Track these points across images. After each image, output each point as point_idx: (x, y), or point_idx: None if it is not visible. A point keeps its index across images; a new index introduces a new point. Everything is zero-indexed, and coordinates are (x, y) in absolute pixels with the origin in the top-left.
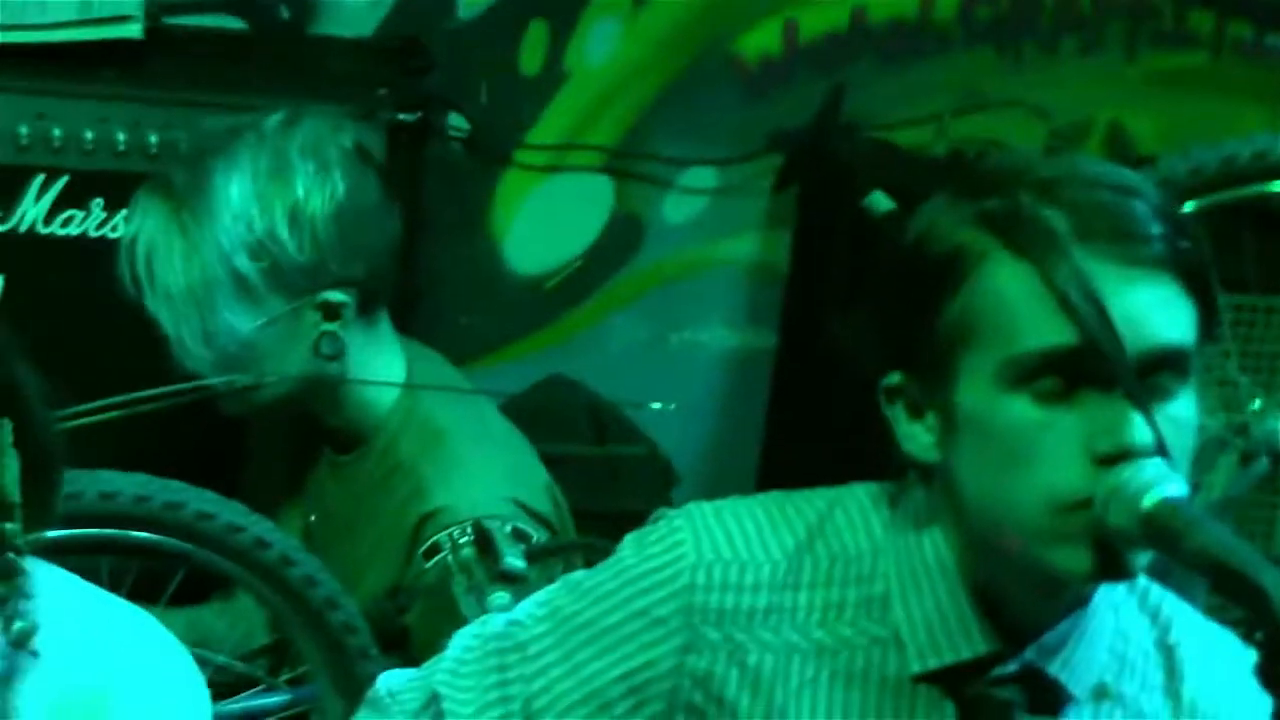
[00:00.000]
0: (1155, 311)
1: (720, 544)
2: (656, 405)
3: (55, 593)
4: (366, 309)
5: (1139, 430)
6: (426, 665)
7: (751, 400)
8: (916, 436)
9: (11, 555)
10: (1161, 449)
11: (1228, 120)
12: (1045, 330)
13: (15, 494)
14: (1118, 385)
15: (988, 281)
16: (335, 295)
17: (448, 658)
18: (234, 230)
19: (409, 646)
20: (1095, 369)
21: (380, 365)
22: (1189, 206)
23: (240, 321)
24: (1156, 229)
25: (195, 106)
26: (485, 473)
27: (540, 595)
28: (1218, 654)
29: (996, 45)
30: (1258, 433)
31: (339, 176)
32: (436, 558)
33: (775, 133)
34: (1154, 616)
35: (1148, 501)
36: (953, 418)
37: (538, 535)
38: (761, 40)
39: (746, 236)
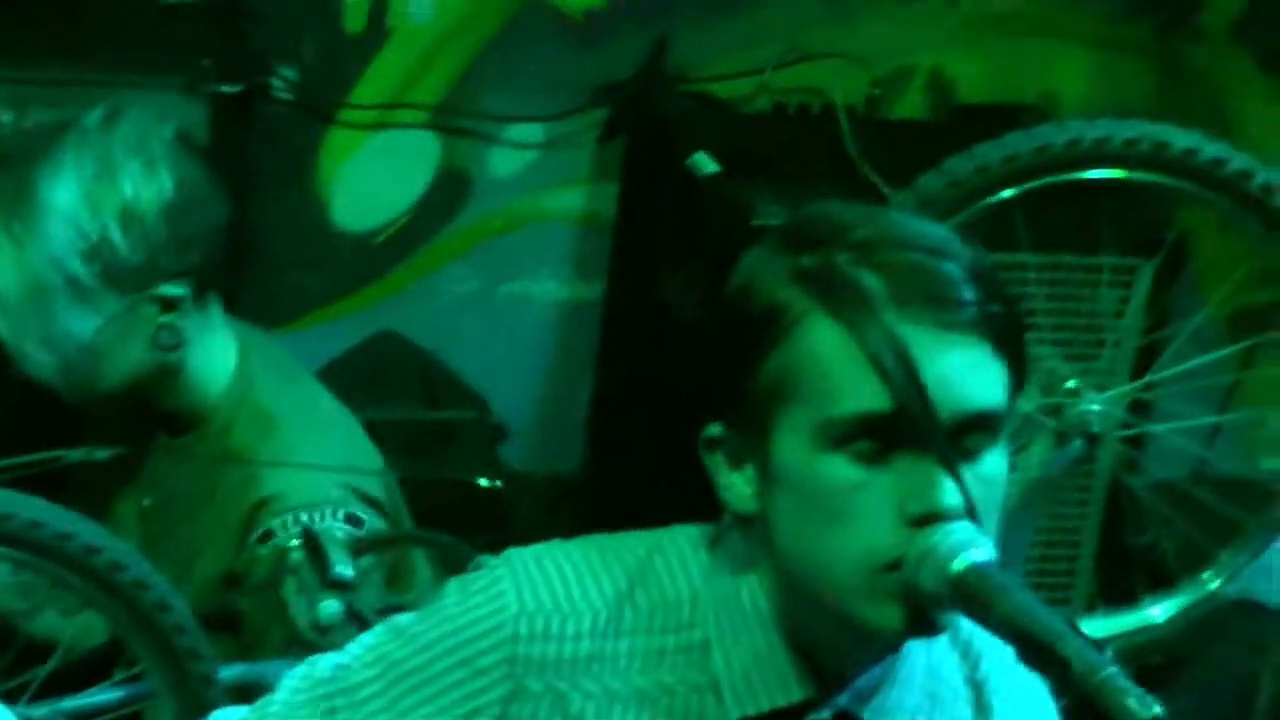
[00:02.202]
0: (967, 375)
1: (542, 593)
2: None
3: None
4: (200, 296)
5: (949, 494)
6: (256, 705)
7: (580, 352)
8: (735, 487)
9: None
10: (971, 512)
11: (1048, 64)
12: (860, 394)
13: None
14: (930, 448)
15: (804, 342)
16: (171, 289)
17: (277, 700)
18: (65, 235)
19: (241, 631)
20: (909, 432)
21: (214, 350)
22: (1006, 194)
23: (78, 325)
24: (969, 292)
25: (16, 83)
26: (317, 458)
27: (368, 638)
28: (1025, 689)
29: None
30: (1071, 415)
31: (166, 171)
32: (270, 543)
33: (599, 86)
34: (964, 652)
35: (956, 566)
36: (770, 472)
37: (370, 520)
38: None
39: (573, 190)
